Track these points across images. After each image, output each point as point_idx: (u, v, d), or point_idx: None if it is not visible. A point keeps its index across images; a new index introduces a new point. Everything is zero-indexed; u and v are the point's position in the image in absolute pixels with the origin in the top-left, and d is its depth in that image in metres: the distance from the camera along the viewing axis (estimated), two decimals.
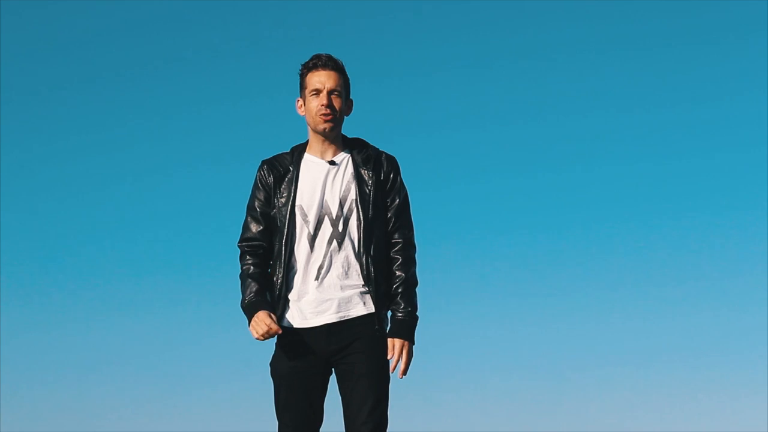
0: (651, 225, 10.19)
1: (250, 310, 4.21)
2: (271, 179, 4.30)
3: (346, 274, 4.22)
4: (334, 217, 4.23)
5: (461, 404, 9.27)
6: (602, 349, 9.65)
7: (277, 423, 4.27)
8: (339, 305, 4.21)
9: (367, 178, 4.27)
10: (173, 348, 9.66)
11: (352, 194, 4.25)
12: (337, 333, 4.20)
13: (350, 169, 4.29)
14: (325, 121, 4.24)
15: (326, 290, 4.21)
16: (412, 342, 4.24)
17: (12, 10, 10.03)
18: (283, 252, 4.24)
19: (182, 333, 9.70)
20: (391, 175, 4.33)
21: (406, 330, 4.23)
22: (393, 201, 4.32)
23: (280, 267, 4.25)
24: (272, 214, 4.29)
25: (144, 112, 10.34)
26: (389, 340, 4.21)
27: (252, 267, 4.28)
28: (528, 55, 10.38)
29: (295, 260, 4.25)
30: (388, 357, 4.20)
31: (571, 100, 10.34)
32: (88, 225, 10.23)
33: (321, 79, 4.24)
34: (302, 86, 4.30)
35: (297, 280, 4.24)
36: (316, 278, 4.21)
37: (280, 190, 4.29)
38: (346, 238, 4.22)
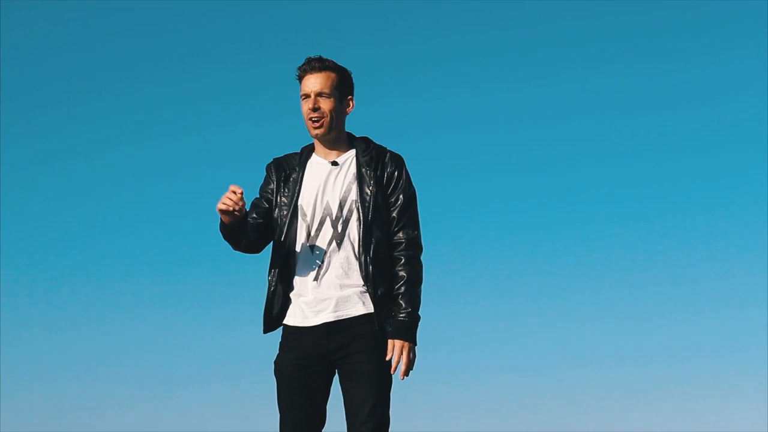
0: (651, 225, 10.19)
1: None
2: (275, 177, 4.32)
3: (346, 274, 4.22)
4: (334, 218, 4.23)
5: (461, 404, 9.27)
6: (602, 349, 9.66)
7: (278, 420, 4.27)
8: (337, 304, 4.21)
9: (368, 179, 4.26)
10: (173, 348, 9.66)
11: (353, 195, 4.25)
12: (336, 332, 4.20)
13: (353, 169, 4.28)
14: (315, 128, 4.25)
15: (325, 290, 4.21)
16: (413, 343, 4.22)
17: (12, 10, 10.03)
18: (284, 252, 4.24)
19: (182, 333, 9.71)
20: (395, 174, 4.31)
21: (406, 331, 4.22)
22: (397, 200, 4.30)
23: (278, 266, 4.25)
24: (274, 213, 4.30)
25: (144, 112, 10.35)
26: (389, 341, 4.21)
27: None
28: (528, 55, 10.39)
29: (295, 260, 4.25)
30: (388, 358, 4.19)
31: (571, 100, 10.35)
32: (87, 225, 10.24)
33: (308, 83, 4.25)
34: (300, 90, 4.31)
35: (297, 279, 4.25)
36: (315, 278, 4.22)
37: (284, 189, 4.30)
38: (346, 239, 4.22)
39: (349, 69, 4.32)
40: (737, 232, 10.07)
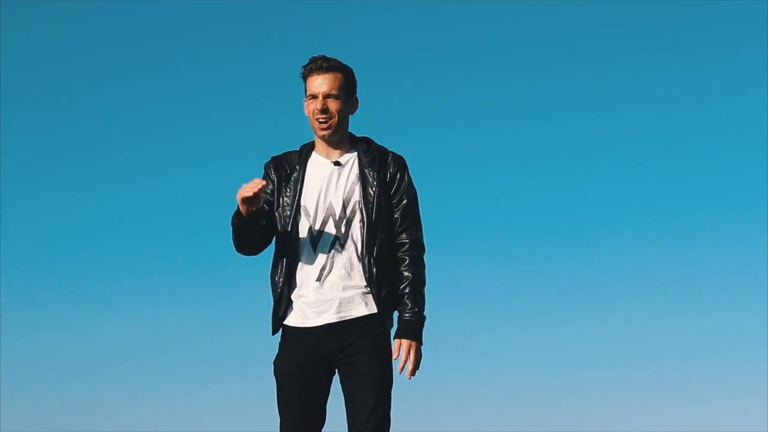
0: (651, 225, 10.20)
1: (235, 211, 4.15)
2: (275, 176, 4.29)
3: (349, 275, 4.22)
4: (337, 219, 4.23)
5: (461, 404, 9.27)
6: (602, 349, 9.66)
7: (279, 421, 4.27)
8: (340, 305, 4.21)
9: (371, 180, 4.26)
10: (173, 348, 9.66)
11: (356, 196, 4.24)
12: (338, 333, 4.20)
13: (355, 169, 4.28)
14: (322, 129, 4.24)
15: (327, 291, 4.21)
16: (419, 342, 4.23)
17: (12, 10, 10.03)
18: (286, 252, 4.24)
19: (182, 333, 9.71)
20: (398, 176, 4.31)
21: (413, 330, 4.22)
22: (400, 201, 4.30)
23: (282, 266, 4.25)
24: (276, 212, 4.28)
25: (144, 112, 10.35)
26: (395, 340, 4.22)
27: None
28: (528, 55, 10.39)
29: (298, 260, 4.24)
30: (395, 357, 4.20)
31: (571, 100, 10.35)
32: (88, 225, 10.23)
33: (316, 84, 4.22)
34: (304, 89, 4.29)
35: (299, 280, 4.24)
36: (318, 279, 4.21)
37: (285, 189, 4.28)
38: (349, 240, 4.22)
39: (351, 67, 4.32)
40: (737, 232, 10.08)
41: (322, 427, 4.25)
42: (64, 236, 10.15)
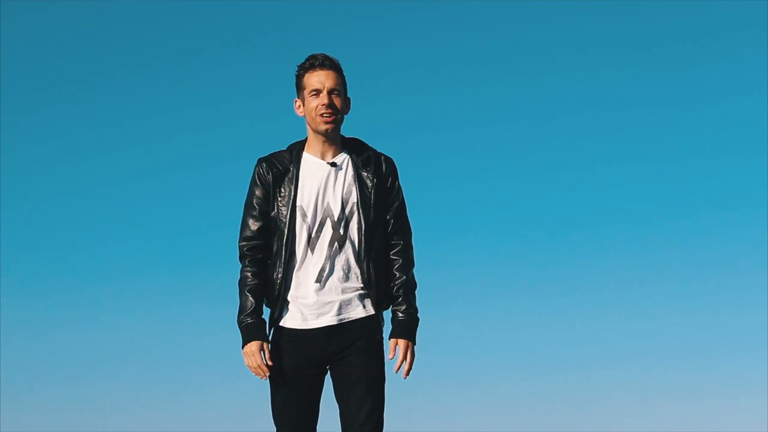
0: (651, 225, 10.19)
1: (244, 335, 4.24)
2: (270, 177, 4.26)
3: (347, 276, 4.22)
4: (336, 220, 4.22)
5: (461, 404, 9.27)
6: (602, 349, 9.65)
7: (273, 422, 4.28)
8: (340, 308, 4.21)
9: (368, 181, 4.26)
10: (173, 348, 9.66)
11: (354, 197, 4.24)
12: (337, 335, 4.20)
13: (351, 171, 4.27)
14: (326, 122, 4.23)
15: (327, 293, 4.21)
16: (414, 343, 4.26)
17: (12, 10, 10.04)
18: (283, 253, 4.23)
19: (182, 333, 9.70)
20: (390, 178, 4.32)
21: (409, 330, 4.24)
22: (392, 203, 4.31)
23: (279, 267, 4.24)
24: (272, 213, 4.28)
25: (144, 112, 10.35)
26: (392, 340, 4.23)
27: (250, 276, 4.26)
28: (528, 55, 10.39)
29: (296, 261, 4.24)
30: (390, 357, 4.21)
31: (571, 100, 10.35)
32: (88, 225, 10.23)
33: (320, 79, 4.22)
34: (300, 87, 4.27)
35: (297, 281, 4.24)
36: (317, 281, 4.21)
37: (280, 189, 4.26)
38: (347, 241, 4.22)
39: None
40: (737, 233, 10.07)
41: (316, 424, 4.27)
42: (64, 236, 10.16)
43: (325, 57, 4.25)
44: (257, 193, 4.28)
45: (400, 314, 4.25)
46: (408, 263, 4.31)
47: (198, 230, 9.97)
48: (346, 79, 4.29)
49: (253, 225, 4.27)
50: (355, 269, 4.22)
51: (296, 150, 4.31)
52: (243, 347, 4.23)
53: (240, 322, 4.25)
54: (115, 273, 9.98)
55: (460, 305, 9.83)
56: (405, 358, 4.22)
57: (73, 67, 10.31)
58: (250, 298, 4.24)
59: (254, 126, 10.10)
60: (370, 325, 4.22)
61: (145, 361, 9.60)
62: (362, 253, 4.21)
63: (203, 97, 10.35)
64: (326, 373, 4.25)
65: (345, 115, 4.30)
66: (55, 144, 10.32)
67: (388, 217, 4.30)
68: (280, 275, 4.23)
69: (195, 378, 9.49)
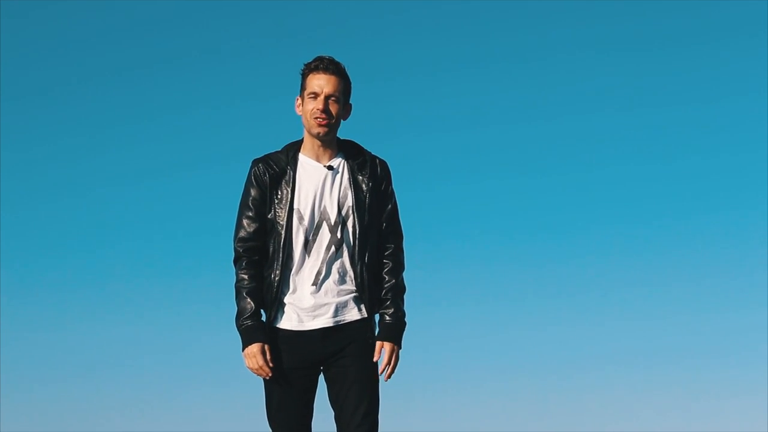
0: (651, 225, 10.19)
1: (244, 338, 4.25)
2: (267, 178, 4.25)
3: (343, 279, 4.23)
4: (332, 223, 4.23)
5: (460, 404, 9.27)
6: (602, 349, 9.65)
7: (268, 423, 4.29)
8: (336, 310, 4.22)
9: (363, 185, 4.26)
10: (173, 348, 9.67)
11: (349, 200, 4.24)
12: (332, 336, 4.21)
13: (346, 174, 4.27)
14: (319, 125, 4.22)
15: (323, 295, 4.22)
16: (400, 346, 4.28)
17: (12, 10, 10.04)
18: (280, 255, 4.23)
19: (182, 333, 9.71)
20: (385, 181, 4.33)
21: (396, 334, 4.26)
22: (386, 207, 4.32)
23: (276, 270, 4.24)
24: (268, 215, 4.27)
25: (144, 112, 10.35)
26: (378, 343, 4.25)
27: (247, 278, 4.26)
28: (528, 55, 10.39)
29: (292, 263, 4.24)
30: (376, 359, 4.22)
31: (571, 100, 10.35)
32: (88, 225, 10.23)
33: (320, 83, 4.21)
34: (302, 86, 4.28)
35: (293, 283, 4.24)
36: (314, 283, 4.22)
37: (277, 192, 4.26)
38: (343, 244, 4.22)
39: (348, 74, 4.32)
40: (737, 233, 10.08)
41: (311, 423, 4.28)
42: (64, 236, 10.16)
43: (331, 61, 4.24)
44: (253, 194, 4.27)
45: (388, 317, 4.27)
46: (398, 267, 4.32)
47: (198, 230, 9.97)
48: (352, 83, 4.29)
49: (249, 226, 4.27)
50: (350, 272, 4.24)
51: (292, 151, 4.30)
52: (243, 350, 4.23)
53: (239, 325, 4.25)
54: (115, 273, 9.98)
55: (460, 305, 9.84)
56: (389, 362, 4.24)
57: (74, 67, 10.32)
58: (249, 301, 4.24)
59: (254, 126, 10.10)
60: (365, 327, 4.24)
61: (145, 361, 9.61)
62: (356, 257, 4.21)
63: (203, 97, 10.36)
64: (320, 373, 4.27)
65: (342, 121, 4.29)
66: (55, 144, 10.33)
67: (381, 220, 4.30)
68: (276, 278, 4.23)
69: (195, 378, 9.50)
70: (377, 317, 4.31)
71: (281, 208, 4.25)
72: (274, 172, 4.26)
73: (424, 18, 10.41)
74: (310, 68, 4.24)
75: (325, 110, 4.20)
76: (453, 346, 9.56)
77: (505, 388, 9.43)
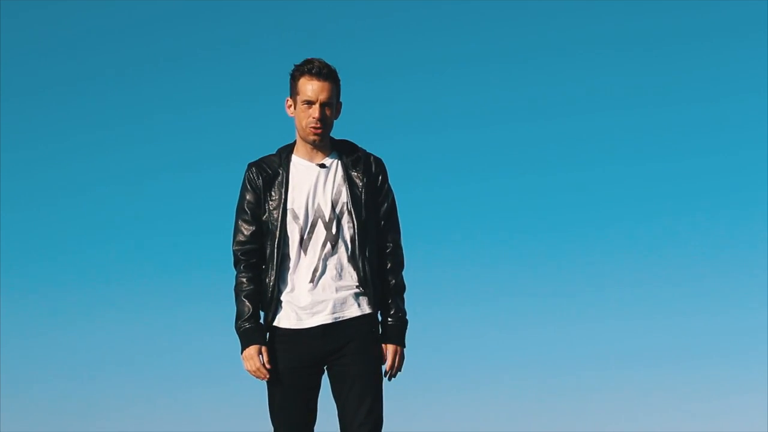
0: (651, 225, 10.19)
1: (242, 340, 4.26)
2: (261, 181, 4.28)
3: (340, 276, 4.23)
4: (327, 220, 4.23)
5: (460, 404, 9.27)
6: (602, 349, 9.65)
7: (271, 425, 4.28)
8: (334, 306, 4.22)
9: (357, 181, 4.27)
10: (173, 348, 9.67)
11: (344, 197, 4.24)
12: (332, 334, 4.20)
13: (340, 171, 4.28)
14: (315, 134, 4.23)
15: (321, 292, 4.22)
16: (403, 346, 4.29)
17: (12, 10, 10.04)
18: (275, 255, 4.24)
19: (182, 333, 9.71)
20: (380, 178, 4.33)
21: (399, 335, 4.27)
22: (382, 204, 4.32)
23: (272, 270, 4.25)
24: (263, 217, 4.28)
25: (144, 112, 10.35)
26: (383, 345, 4.25)
27: (245, 281, 4.28)
28: (528, 55, 10.39)
29: (288, 263, 4.24)
30: (384, 363, 4.24)
31: (571, 100, 10.35)
32: (88, 225, 10.24)
33: (314, 89, 4.19)
34: (293, 89, 4.26)
35: (290, 282, 4.24)
36: (311, 281, 4.22)
37: (270, 193, 4.27)
38: (340, 241, 4.23)
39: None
40: (737, 232, 10.07)
41: (314, 424, 4.27)
42: (64, 236, 10.16)
43: (323, 65, 4.21)
44: (248, 197, 4.29)
45: (389, 319, 4.27)
46: (397, 266, 4.32)
47: (198, 230, 9.98)
48: (341, 82, 4.27)
49: (246, 230, 4.28)
50: (349, 269, 4.23)
51: (285, 153, 4.32)
52: (242, 352, 4.24)
53: (238, 328, 4.26)
54: (114, 273, 9.99)
55: (461, 305, 9.84)
56: (394, 363, 4.24)
57: (73, 67, 10.32)
58: (247, 303, 4.26)
59: (254, 127, 10.10)
60: (366, 323, 4.23)
61: (145, 361, 9.61)
62: (356, 252, 4.21)
63: (203, 97, 10.36)
64: (323, 372, 4.26)
65: (335, 120, 4.29)
66: (55, 144, 10.33)
67: (378, 217, 4.30)
68: (273, 277, 4.24)
69: (195, 378, 9.50)
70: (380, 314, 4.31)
71: (275, 209, 4.25)
72: (267, 175, 4.28)
73: (424, 18, 10.41)
74: (301, 71, 4.22)
75: (322, 118, 4.21)
76: (453, 346, 9.57)
77: (506, 388, 9.44)
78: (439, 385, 9.24)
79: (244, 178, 4.31)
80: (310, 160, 4.29)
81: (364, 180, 4.27)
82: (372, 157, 4.35)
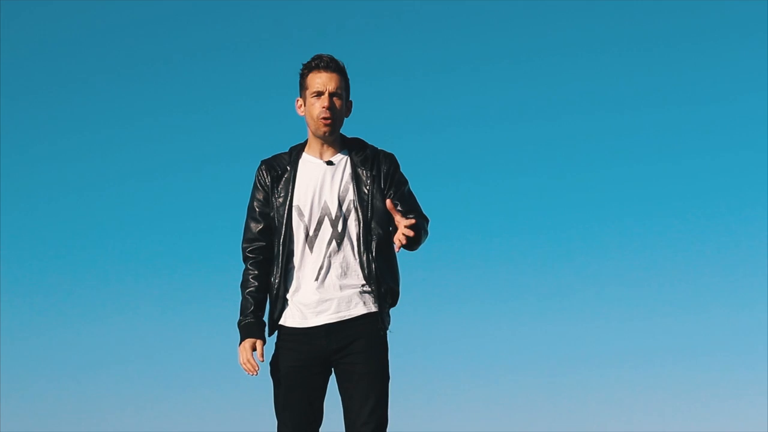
0: (651, 225, 10.20)
1: (241, 335, 4.28)
2: (269, 179, 4.30)
3: (346, 274, 4.22)
4: (333, 218, 4.23)
5: (460, 404, 9.27)
6: (601, 349, 9.66)
7: (276, 423, 4.28)
8: (338, 305, 4.21)
9: (365, 178, 4.27)
10: (173, 348, 9.67)
11: (350, 194, 4.24)
12: (337, 333, 4.20)
13: (348, 169, 4.28)
14: (326, 125, 4.23)
15: (326, 290, 4.21)
16: (423, 227, 4.18)
17: (12, 10, 10.04)
18: (281, 252, 4.24)
19: (182, 333, 9.71)
20: (390, 171, 4.32)
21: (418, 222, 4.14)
22: (396, 192, 4.28)
23: (278, 267, 4.25)
24: (271, 214, 4.29)
25: (144, 111, 10.35)
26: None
27: (251, 278, 4.30)
28: (528, 55, 10.39)
29: (294, 260, 4.25)
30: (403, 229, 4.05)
31: (571, 100, 10.35)
32: (88, 225, 10.23)
33: (323, 81, 4.23)
34: (303, 86, 4.29)
35: (296, 280, 4.25)
36: (316, 278, 4.22)
37: (277, 190, 4.29)
38: (345, 239, 4.22)
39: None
40: (737, 232, 10.08)
41: (319, 427, 4.26)
42: (64, 236, 10.16)
43: (331, 59, 4.25)
44: (257, 195, 4.33)
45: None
46: (421, 216, 4.27)
47: (198, 230, 9.98)
48: (350, 81, 4.30)
49: (254, 227, 4.30)
50: (355, 266, 4.22)
51: (296, 151, 4.34)
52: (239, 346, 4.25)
53: (239, 323, 4.28)
54: (115, 273, 9.98)
55: (461, 305, 9.84)
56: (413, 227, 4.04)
57: (73, 67, 10.32)
58: (249, 300, 4.27)
59: (255, 126, 10.10)
60: (372, 322, 4.22)
61: (145, 361, 9.61)
62: (362, 250, 4.21)
63: (204, 97, 10.36)
64: (330, 373, 4.25)
65: (345, 118, 4.30)
66: (55, 144, 10.33)
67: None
68: (278, 274, 4.25)
69: (195, 378, 9.50)
70: (394, 311, 4.30)
71: (281, 206, 4.26)
72: (276, 173, 4.30)
73: (423, 17, 10.42)
74: (310, 67, 4.26)
75: (331, 107, 4.21)
76: (452, 345, 9.57)
77: (505, 388, 9.44)
78: (438, 385, 9.25)
79: (255, 176, 4.34)
80: (320, 157, 4.30)
81: (373, 177, 4.26)
82: (382, 153, 4.35)
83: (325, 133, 4.25)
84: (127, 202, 10.27)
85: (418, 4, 10.45)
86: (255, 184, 4.34)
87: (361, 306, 4.23)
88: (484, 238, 10.20)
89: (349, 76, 4.30)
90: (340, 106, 4.24)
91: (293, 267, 4.25)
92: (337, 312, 4.21)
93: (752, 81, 10.00)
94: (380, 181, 4.29)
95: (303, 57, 4.29)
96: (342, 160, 4.30)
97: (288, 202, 4.25)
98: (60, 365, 9.64)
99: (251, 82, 10.30)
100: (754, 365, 9.16)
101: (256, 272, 4.29)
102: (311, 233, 4.23)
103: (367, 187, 4.26)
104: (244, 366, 4.21)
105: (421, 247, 4.30)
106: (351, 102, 4.33)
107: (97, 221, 10.20)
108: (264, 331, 4.26)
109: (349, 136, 4.37)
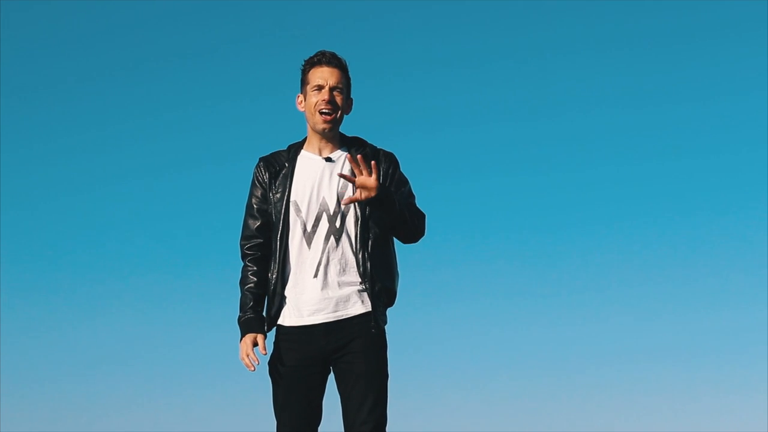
0: (651, 225, 10.20)
1: (241, 330, 4.28)
2: (267, 176, 4.30)
3: (344, 270, 4.22)
4: (331, 214, 4.22)
5: (460, 404, 9.27)
6: (602, 349, 9.65)
7: (275, 422, 4.27)
8: (337, 304, 4.20)
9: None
10: (173, 348, 9.67)
11: (349, 191, 4.23)
12: (335, 332, 4.19)
13: (347, 166, 4.27)
14: (325, 121, 4.23)
15: (324, 288, 4.20)
16: (385, 199, 4.10)
17: (12, 10, 10.04)
18: (278, 248, 4.24)
19: (182, 333, 9.71)
20: (390, 170, 4.31)
21: (387, 192, 4.13)
22: (395, 192, 4.25)
23: (275, 263, 4.25)
24: (269, 210, 4.28)
25: (144, 111, 10.35)
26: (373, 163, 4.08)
27: (249, 274, 4.30)
28: (528, 55, 10.39)
29: (292, 257, 4.24)
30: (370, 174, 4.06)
31: (571, 100, 10.35)
32: (88, 225, 10.23)
33: (324, 75, 4.23)
34: (304, 82, 4.29)
35: (294, 277, 4.24)
36: (315, 275, 4.21)
37: (275, 187, 4.28)
38: (344, 235, 4.21)
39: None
40: (737, 232, 10.08)
41: (318, 426, 4.25)
42: (64, 236, 10.16)
43: (333, 55, 4.26)
44: (255, 192, 4.32)
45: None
46: (415, 212, 4.26)
47: (199, 230, 9.98)
48: (351, 80, 4.30)
49: (253, 224, 4.30)
50: (352, 263, 4.21)
51: (294, 148, 4.34)
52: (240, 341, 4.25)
53: (239, 319, 4.28)
54: (114, 273, 9.98)
55: (461, 305, 9.84)
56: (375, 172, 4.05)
57: (73, 66, 10.32)
58: (249, 296, 4.28)
59: (255, 125, 10.11)
60: (369, 321, 4.21)
61: (144, 361, 9.61)
62: (358, 246, 4.20)
63: (204, 96, 10.37)
64: (329, 372, 4.25)
65: (345, 116, 4.30)
66: (55, 144, 10.33)
67: None
68: (276, 272, 4.24)
69: (195, 378, 9.50)
70: (391, 311, 4.29)
71: (278, 202, 4.26)
72: (274, 170, 4.30)
73: (423, 17, 10.42)
74: (311, 63, 4.26)
75: (331, 101, 4.22)
76: (452, 345, 9.57)
77: (505, 387, 9.43)
78: (438, 385, 9.25)
79: (253, 173, 4.34)
80: (319, 153, 4.30)
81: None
82: (382, 152, 4.35)
83: (324, 128, 4.25)
84: (127, 202, 10.28)
85: (418, 4, 10.45)
86: (253, 181, 4.33)
87: (359, 305, 4.22)
88: (483, 236, 10.20)
89: (350, 76, 4.30)
90: (340, 102, 4.24)
91: (291, 263, 4.24)
92: (335, 311, 4.20)
93: (752, 80, 10.01)
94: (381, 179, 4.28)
95: (303, 56, 4.30)
96: (341, 157, 4.29)
97: (285, 198, 4.25)
98: (60, 365, 9.64)
99: (251, 81, 10.30)
100: (754, 365, 9.16)
101: (254, 269, 4.29)
102: (309, 229, 4.22)
103: None
104: (244, 361, 4.21)
105: (419, 242, 4.31)
106: (352, 100, 4.32)
107: (97, 221, 10.21)
108: (264, 325, 4.26)
109: (349, 136, 4.37)
